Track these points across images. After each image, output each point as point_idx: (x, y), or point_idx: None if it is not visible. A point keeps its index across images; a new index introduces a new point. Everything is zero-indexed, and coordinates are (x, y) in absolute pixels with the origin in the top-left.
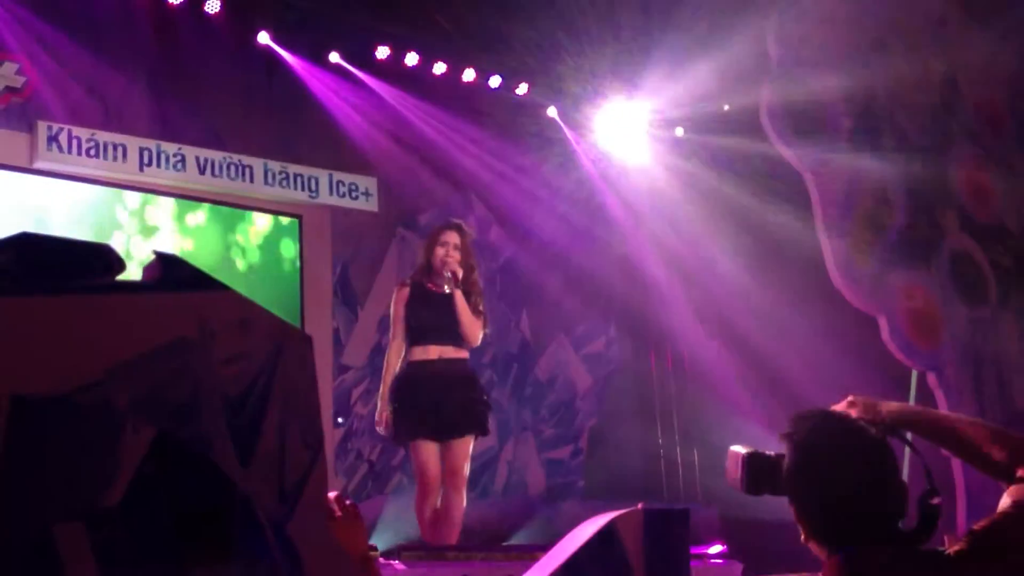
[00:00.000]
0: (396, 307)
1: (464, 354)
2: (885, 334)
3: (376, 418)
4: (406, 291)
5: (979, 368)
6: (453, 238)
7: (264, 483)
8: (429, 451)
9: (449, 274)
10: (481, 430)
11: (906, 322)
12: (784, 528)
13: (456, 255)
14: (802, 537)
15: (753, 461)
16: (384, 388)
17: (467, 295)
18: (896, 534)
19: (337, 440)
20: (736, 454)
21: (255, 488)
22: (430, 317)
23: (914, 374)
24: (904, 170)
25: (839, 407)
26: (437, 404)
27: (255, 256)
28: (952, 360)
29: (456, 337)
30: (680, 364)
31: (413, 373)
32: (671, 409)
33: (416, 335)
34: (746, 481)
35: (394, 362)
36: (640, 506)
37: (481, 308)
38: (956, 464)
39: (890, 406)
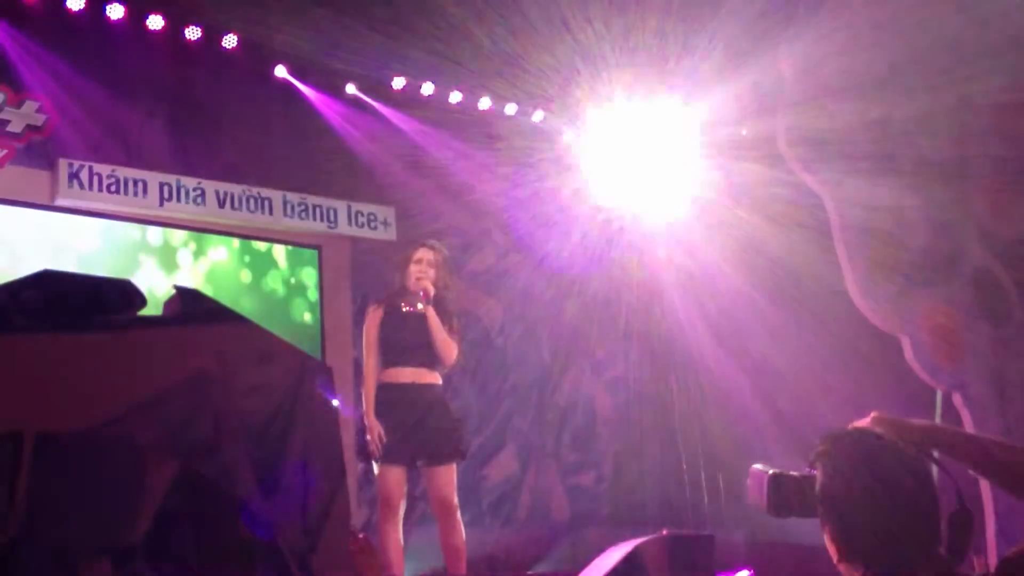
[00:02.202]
0: (369, 328)
1: (437, 379)
2: (908, 354)
3: (368, 438)
4: (380, 312)
5: (1004, 387)
6: (427, 256)
7: (287, 515)
8: (396, 477)
9: (420, 292)
10: (461, 456)
11: (929, 341)
12: (812, 552)
13: (430, 272)
14: (835, 559)
15: (779, 482)
16: (368, 407)
17: (442, 315)
18: (933, 556)
19: (360, 471)
20: (760, 474)
21: (278, 520)
22: (404, 337)
23: (939, 394)
24: (923, 188)
25: (862, 424)
26: (411, 431)
27: (276, 286)
28: (977, 379)
29: (430, 358)
30: (701, 387)
31: (386, 396)
32: (694, 433)
33: (390, 356)
34: (772, 502)
35: (371, 384)
36: (664, 532)
37: (456, 328)
38: (984, 485)
39: (917, 424)
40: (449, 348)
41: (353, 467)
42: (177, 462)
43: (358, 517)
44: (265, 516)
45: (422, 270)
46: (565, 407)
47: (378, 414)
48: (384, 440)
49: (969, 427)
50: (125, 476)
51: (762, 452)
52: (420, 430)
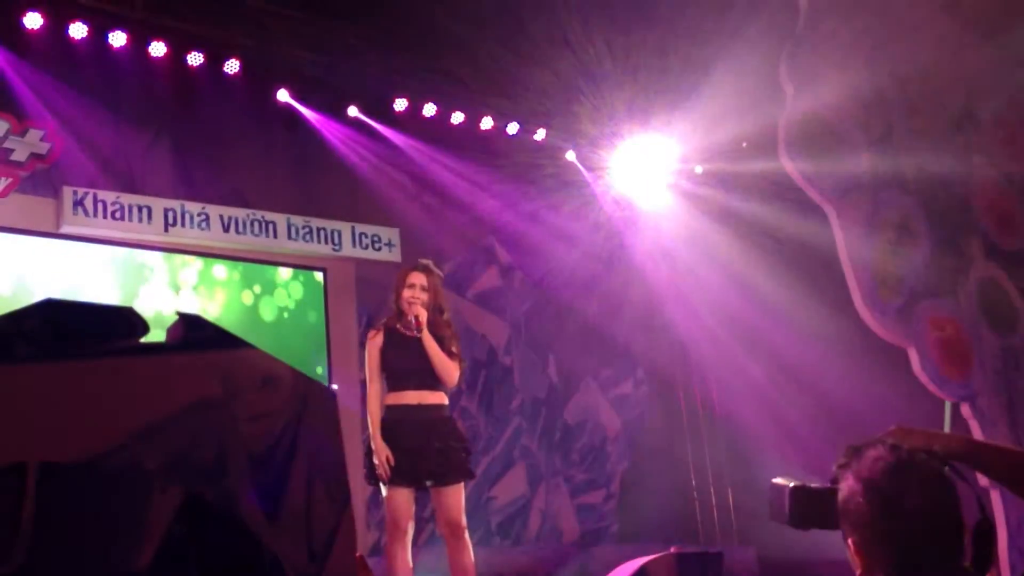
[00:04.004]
0: (371, 353)
1: (443, 399)
2: (916, 366)
3: (376, 461)
4: (380, 337)
5: (1012, 397)
6: (420, 279)
7: (292, 541)
8: (404, 499)
9: (412, 318)
10: (468, 476)
11: (936, 353)
12: (825, 567)
13: (423, 296)
14: (857, 571)
15: (800, 494)
16: (375, 432)
17: (439, 339)
18: (957, 568)
19: (369, 493)
20: (782, 487)
21: (283, 546)
22: (405, 361)
23: (947, 405)
24: (925, 199)
25: (885, 435)
26: (417, 452)
27: (282, 309)
28: (985, 389)
29: (433, 380)
30: (709, 402)
31: (392, 419)
32: (702, 449)
33: (393, 381)
34: (793, 515)
35: (376, 408)
36: (673, 549)
37: (455, 350)
38: (996, 497)
39: (940, 435)
40: (449, 371)
41: (359, 490)
42: (181, 489)
43: (365, 540)
44: (271, 542)
45: (415, 295)
46: (573, 426)
47: (385, 437)
48: (392, 462)
49: (979, 437)
50: (129, 504)
51: (770, 467)
52: (427, 451)
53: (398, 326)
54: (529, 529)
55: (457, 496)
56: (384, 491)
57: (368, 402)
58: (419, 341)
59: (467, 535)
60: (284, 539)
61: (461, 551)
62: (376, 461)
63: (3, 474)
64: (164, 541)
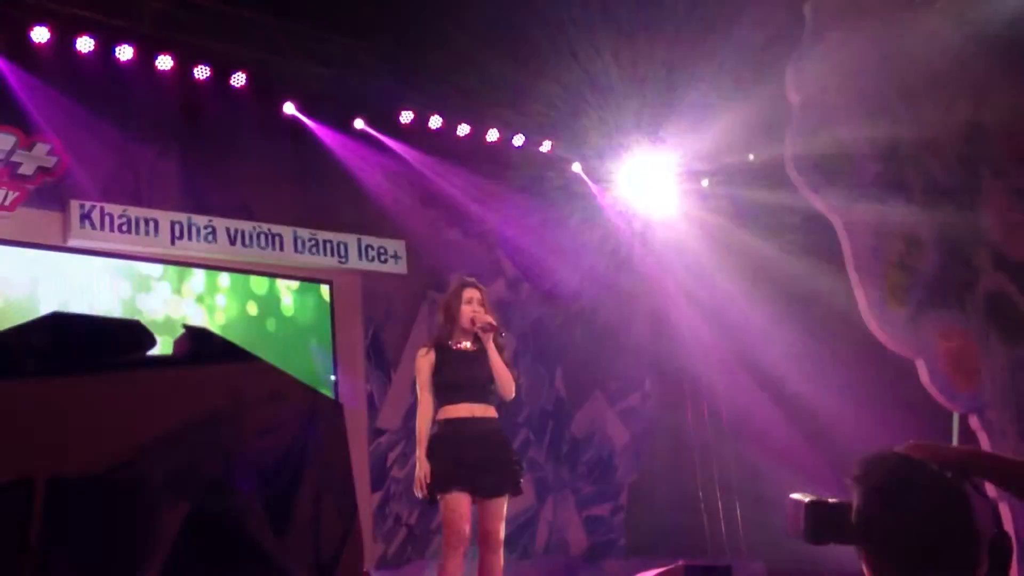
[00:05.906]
0: (422, 372)
1: (493, 412)
2: (924, 377)
3: (417, 476)
4: (432, 355)
5: (1021, 408)
6: (475, 294)
7: (300, 555)
8: (462, 504)
9: (486, 326)
10: (515, 490)
11: (944, 364)
12: None
13: (481, 310)
14: None
15: (816, 509)
16: (421, 451)
17: (499, 349)
18: None
19: (375, 505)
20: (797, 502)
21: (291, 560)
22: (459, 376)
23: (955, 417)
24: (934, 211)
25: (900, 449)
26: (471, 462)
27: (288, 322)
28: (993, 401)
29: (486, 394)
30: (717, 415)
31: (445, 431)
32: (711, 461)
33: (446, 395)
34: (809, 530)
35: (425, 426)
36: (681, 563)
37: (510, 361)
38: (1005, 510)
39: (955, 449)
40: (510, 381)
41: (365, 504)
42: (188, 504)
43: (372, 552)
44: (279, 557)
45: (475, 308)
46: (580, 438)
47: (440, 447)
48: (429, 480)
49: (987, 449)
50: (137, 518)
51: (778, 479)
52: (485, 462)
53: (450, 343)
54: (536, 542)
55: (501, 508)
56: (440, 500)
57: (418, 418)
58: (472, 355)
59: (502, 550)
60: (292, 554)
61: (493, 564)
62: (417, 475)
63: (11, 488)
64: (172, 555)
